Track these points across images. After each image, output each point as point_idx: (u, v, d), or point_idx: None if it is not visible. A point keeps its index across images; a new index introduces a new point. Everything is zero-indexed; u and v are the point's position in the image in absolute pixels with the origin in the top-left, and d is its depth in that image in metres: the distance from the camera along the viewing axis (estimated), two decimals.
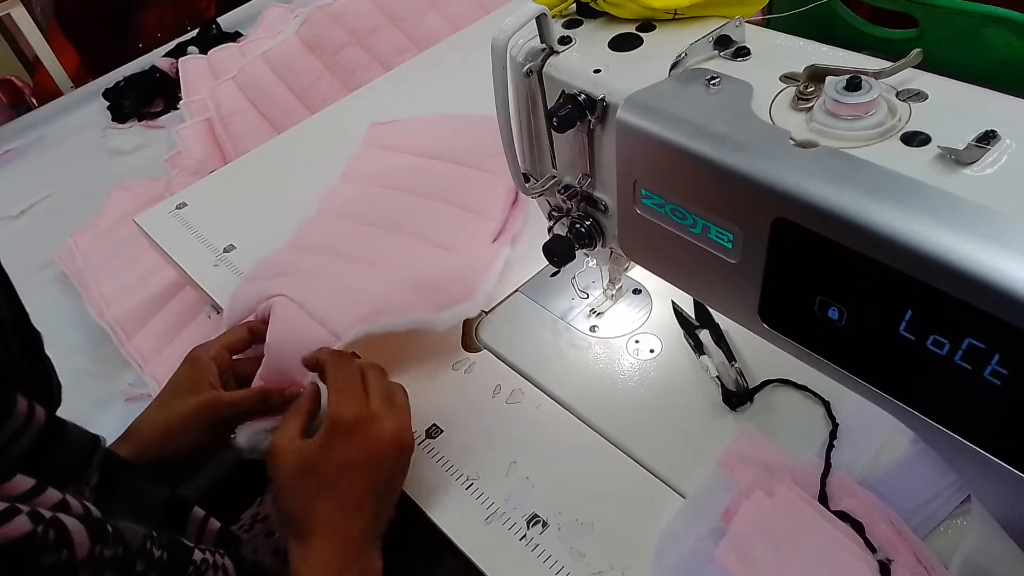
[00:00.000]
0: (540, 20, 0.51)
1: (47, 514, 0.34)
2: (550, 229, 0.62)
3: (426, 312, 0.68)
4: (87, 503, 0.38)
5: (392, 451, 0.56)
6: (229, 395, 0.62)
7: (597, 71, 0.50)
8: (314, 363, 0.61)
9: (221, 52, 1.28)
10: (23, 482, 0.35)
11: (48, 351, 0.91)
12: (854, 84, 0.41)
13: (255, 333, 0.67)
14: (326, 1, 1.16)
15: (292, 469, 0.54)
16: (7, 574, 0.33)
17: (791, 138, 0.41)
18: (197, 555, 0.44)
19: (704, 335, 0.68)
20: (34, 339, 0.41)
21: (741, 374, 0.64)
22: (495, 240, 0.79)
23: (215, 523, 0.51)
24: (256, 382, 0.64)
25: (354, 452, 0.54)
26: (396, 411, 0.57)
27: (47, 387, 0.42)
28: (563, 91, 0.51)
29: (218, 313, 0.83)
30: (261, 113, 1.12)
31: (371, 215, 0.83)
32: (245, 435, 0.62)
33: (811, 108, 0.42)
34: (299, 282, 0.69)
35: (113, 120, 1.38)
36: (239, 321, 0.70)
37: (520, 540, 0.58)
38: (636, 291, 0.73)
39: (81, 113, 1.43)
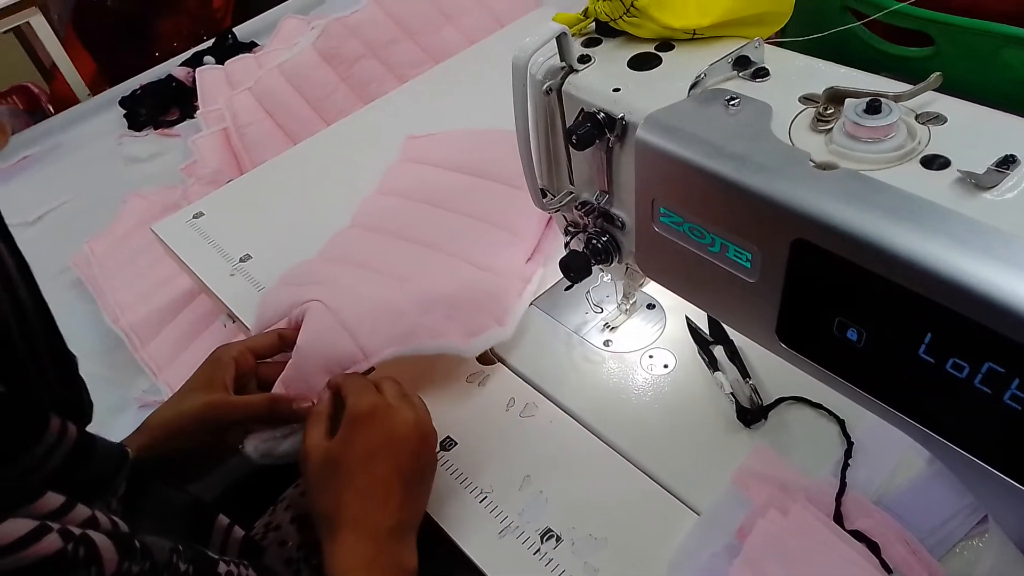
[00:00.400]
0: (560, 39, 0.51)
1: (77, 531, 0.35)
2: (566, 244, 0.63)
3: (457, 339, 0.68)
4: (115, 518, 0.39)
5: (413, 435, 0.57)
6: (237, 398, 0.63)
7: (616, 90, 0.50)
8: (333, 386, 0.62)
9: (238, 62, 1.30)
10: (53, 499, 0.35)
11: None
12: (874, 107, 0.41)
13: (284, 339, 0.68)
14: (343, 13, 1.17)
15: (319, 467, 0.55)
16: None
17: (811, 160, 0.41)
18: (222, 567, 0.44)
19: (718, 351, 0.68)
20: (69, 362, 0.42)
21: (755, 391, 0.64)
22: (528, 260, 0.78)
23: (239, 531, 0.51)
24: (277, 386, 0.65)
25: (374, 439, 0.55)
26: (413, 405, 0.59)
27: (79, 406, 0.43)
28: (582, 109, 0.52)
29: (234, 322, 0.84)
30: (277, 123, 1.13)
31: (405, 229, 0.83)
32: (253, 443, 0.63)
33: (830, 130, 0.43)
34: (334, 291, 0.70)
35: (129, 128, 1.39)
36: (268, 324, 0.70)
37: (534, 554, 0.58)
38: (650, 306, 0.74)
39: (97, 120, 1.44)
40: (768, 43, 0.50)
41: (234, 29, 1.54)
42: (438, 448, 0.66)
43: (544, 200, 0.59)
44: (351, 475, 0.55)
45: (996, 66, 0.77)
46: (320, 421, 0.59)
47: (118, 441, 0.57)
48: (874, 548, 0.53)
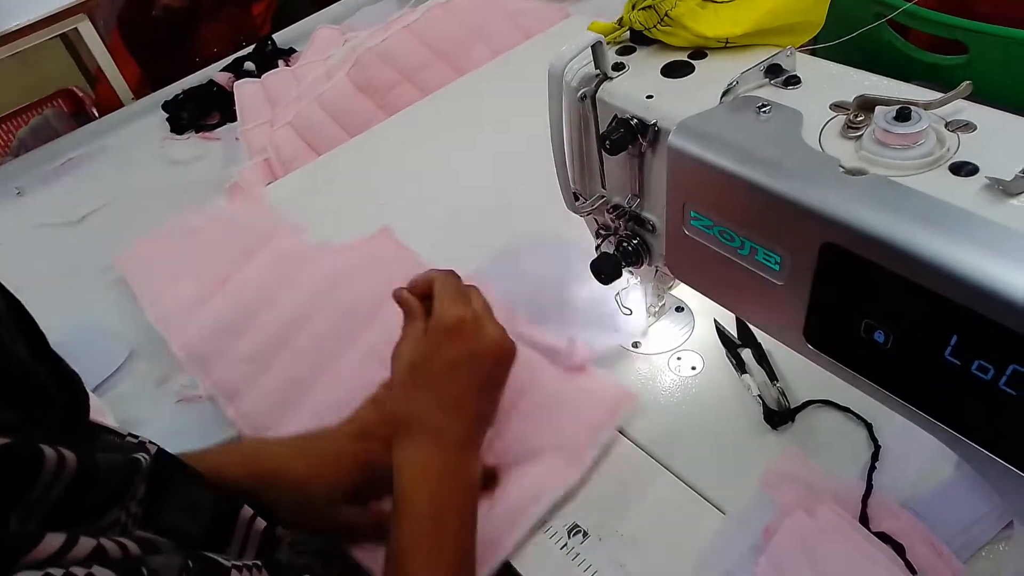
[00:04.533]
0: (595, 48, 0.53)
1: (80, 573, 0.33)
2: (597, 247, 0.64)
3: None
4: (125, 540, 0.38)
5: (494, 350, 0.58)
6: None
7: (649, 96, 0.52)
8: (422, 283, 0.62)
9: (275, 77, 1.32)
10: (54, 541, 0.34)
11: (105, 354, 0.93)
12: (903, 114, 0.42)
13: None
14: (374, 42, 1.19)
15: (405, 368, 0.57)
16: None
17: (840, 166, 0.42)
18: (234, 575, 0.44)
19: (746, 354, 0.69)
20: (58, 363, 0.42)
21: (783, 394, 0.65)
22: None
23: (260, 523, 0.51)
24: None
25: (458, 350, 0.56)
26: (495, 320, 0.60)
27: (73, 396, 0.43)
28: (615, 115, 0.53)
29: None
30: (318, 155, 1.16)
31: None
32: None
33: (860, 137, 0.43)
34: None
35: (172, 131, 1.43)
36: None
37: (561, 549, 0.60)
38: (679, 309, 0.75)
39: (141, 124, 1.48)
40: (800, 51, 0.51)
41: (273, 36, 1.57)
42: None
43: (576, 203, 0.60)
44: (432, 383, 0.56)
45: None
46: (416, 320, 0.60)
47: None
48: (899, 549, 0.54)
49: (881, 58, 0.89)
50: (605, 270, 0.60)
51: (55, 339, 0.45)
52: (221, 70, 1.51)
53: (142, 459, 0.44)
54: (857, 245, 0.40)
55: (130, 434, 0.48)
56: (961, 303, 0.37)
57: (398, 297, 0.63)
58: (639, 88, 0.53)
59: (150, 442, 0.48)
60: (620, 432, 0.66)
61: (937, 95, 0.45)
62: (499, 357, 0.58)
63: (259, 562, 0.47)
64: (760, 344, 0.69)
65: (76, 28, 1.56)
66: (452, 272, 0.63)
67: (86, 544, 0.35)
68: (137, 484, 0.42)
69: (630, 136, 0.51)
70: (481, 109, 1.09)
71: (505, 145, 1.01)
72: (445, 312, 0.58)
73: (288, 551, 0.51)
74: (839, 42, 0.54)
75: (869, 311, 0.42)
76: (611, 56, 0.55)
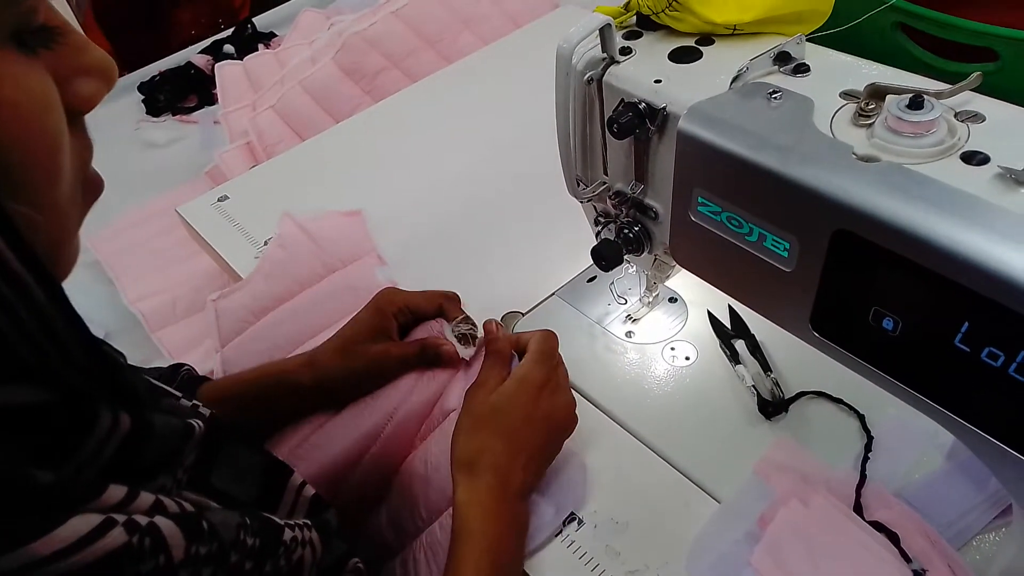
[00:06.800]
0: (604, 31, 0.52)
1: (142, 521, 0.34)
2: (597, 234, 0.64)
3: None
4: (181, 500, 0.38)
5: (565, 419, 0.61)
6: (395, 352, 0.67)
7: (658, 81, 0.52)
8: (523, 339, 0.65)
9: (257, 59, 1.30)
10: (116, 492, 0.35)
11: None
12: (916, 103, 0.42)
13: (445, 311, 0.70)
14: (361, 27, 1.17)
15: (482, 410, 0.59)
16: None
17: (853, 152, 0.42)
18: (287, 534, 0.44)
19: (740, 345, 0.69)
20: (107, 354, 0.41)
21: (777, 384, 0.65)
22: None
23: (309, 490, 0.51)
24: None
25: (537, 409, 0.59)
26: (570, 391, 0.63)
27: (131, 393, 0.42)
28: (622, 99, 0.53)
29: None
30: (303, 140, 1.13)
31: None
32: None
33: (872, 124, 0.44)
34: None
35: (147, 113, 1.39)
36: None
37: (556, 535, 0.59)
38: (672, 299, 0.75)
39: (115, 106, 1.44)
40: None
41: (253, 20, 1.54)
42: None
43: (579, 189, 0.60)
44: (510, 430, 0.58)
45: None
46: (503, 363, 0.63)
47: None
48: (894, 539, 0.54)
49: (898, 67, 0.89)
50: (606, 256, 0.60)
51: None
52: (199, 52, 1.48)
53: (196, 425, 0.43)
54: (871, 231, 0.40)
55: (184, 397, 0.48)
56: (974, 289, 0.37)
57: (492, 334, 0.65)
58: (647, 72, 0.52)
59: (203, 406, 0.47)
60: (615, 420, 0.66)
61: (945, 86, 0.45)
62: (565, 425, 0.61)
63: (308, 521, 0.47)
64: (754, 335, 0.69)
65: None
66: (553, 333, 0.66)
67: (147, 498, 0.36)
68: (188, 451, 0.42)
69: (638, 120, 0.51)
70: (470, 98, 1.08)
71: (494, 135, 1.00)
72: (537, 368, 0.61)
73: (335, 517, 0.52)
74: (845, 36, 0.53)
75: (879, 298, 0.42)
76: (618, 40, 0.54)
